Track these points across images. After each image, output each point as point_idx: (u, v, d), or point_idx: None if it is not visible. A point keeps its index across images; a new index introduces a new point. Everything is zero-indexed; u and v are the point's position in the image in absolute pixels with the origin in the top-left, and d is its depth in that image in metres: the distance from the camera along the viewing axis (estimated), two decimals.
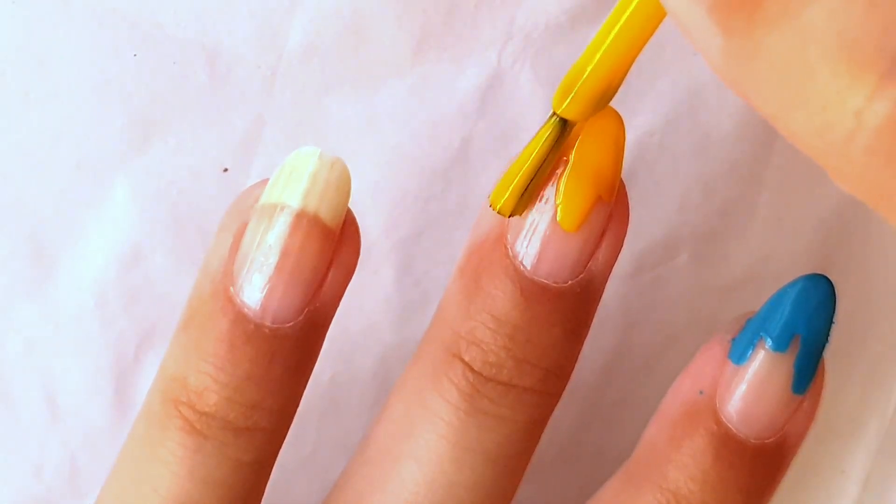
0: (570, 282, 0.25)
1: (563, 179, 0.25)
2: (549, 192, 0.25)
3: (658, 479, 0.27)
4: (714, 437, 0.26)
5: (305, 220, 0.24)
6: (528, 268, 0.25)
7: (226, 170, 0.30)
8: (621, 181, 0.25)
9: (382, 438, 0.27)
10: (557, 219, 0.25)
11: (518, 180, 0.25)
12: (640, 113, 0.31)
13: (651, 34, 0.23)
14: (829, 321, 0.26)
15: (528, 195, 0.25)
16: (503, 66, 0.30)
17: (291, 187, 0.24)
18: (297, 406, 0.26)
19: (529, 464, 0.27)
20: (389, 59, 0.30)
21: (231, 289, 0.24)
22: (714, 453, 0.26)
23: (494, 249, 0.25)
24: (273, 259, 0.24)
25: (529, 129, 0.30)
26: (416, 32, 0.29)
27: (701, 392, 0.27)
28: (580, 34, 0.30)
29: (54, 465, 0.32)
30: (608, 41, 0.23)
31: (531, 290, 0.25)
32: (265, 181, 0.25)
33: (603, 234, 0.25)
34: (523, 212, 0.25)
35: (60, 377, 0.31)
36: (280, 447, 0.26)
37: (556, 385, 0.26)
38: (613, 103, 0.25)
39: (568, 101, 0.24)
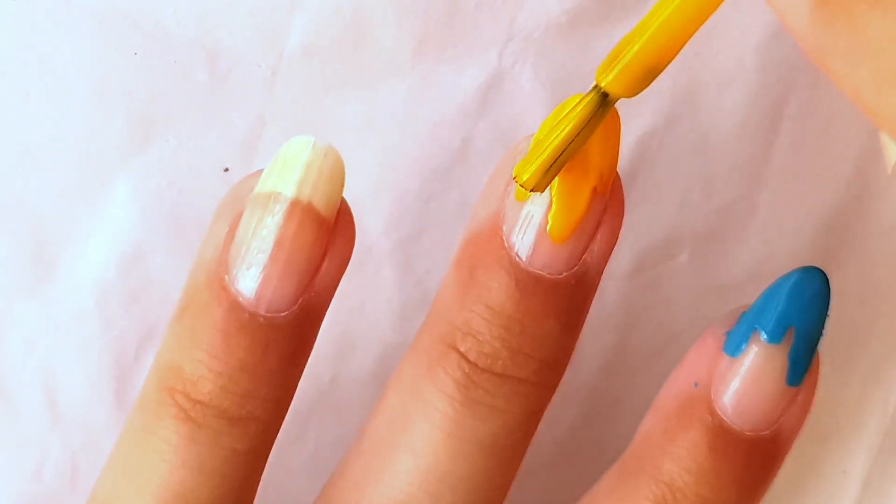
0: (564, 273, 0.25)
1: None
2: None
3: (653, 472, 0.27)
4: (709, 429, 0.26)
5: (299, 209, 0.24)
6: (524, 259, 0.25)
7: (226, 170, 0.30)
8: (617, 173, 0.25)
9: (379, 429, 0.27)
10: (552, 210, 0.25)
11: (545, 154, 0.23)
12: (640, 113, 0.31)
13: (718, 5, 0.21)
14: (824, 313, 0.26)
15: (553, 171, 0.23)
16: (504, 66, 0.30)
17: (285, 177, 0.24)
18: (292, 396, 0.26)
19: (528, 460, 0.27)
20: (389, 59, 0.30)
21: (225, 278, 0.24)
22: (709, 445, 0.26)
23: (490, 241, 0.25)
24: (267, 248, 0.24)
25: (530, 129, 0.30)
26: (416, 32, 0.29)
27: (696, 385, 0.27)
28: (580, 34, 0.30)
29: (54, 466, 0.32)
30: (668, 11, 0.21)
31: (526, 281, 0.25)
32: (260, 172, 0.25)
33: (598, 226, 0.25)
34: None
35: (60, 377, 0.31)
36: (275, 437, 0.26)
37: (552, 377, 0.26)
38: None
39: (614, 73, 0.22)
